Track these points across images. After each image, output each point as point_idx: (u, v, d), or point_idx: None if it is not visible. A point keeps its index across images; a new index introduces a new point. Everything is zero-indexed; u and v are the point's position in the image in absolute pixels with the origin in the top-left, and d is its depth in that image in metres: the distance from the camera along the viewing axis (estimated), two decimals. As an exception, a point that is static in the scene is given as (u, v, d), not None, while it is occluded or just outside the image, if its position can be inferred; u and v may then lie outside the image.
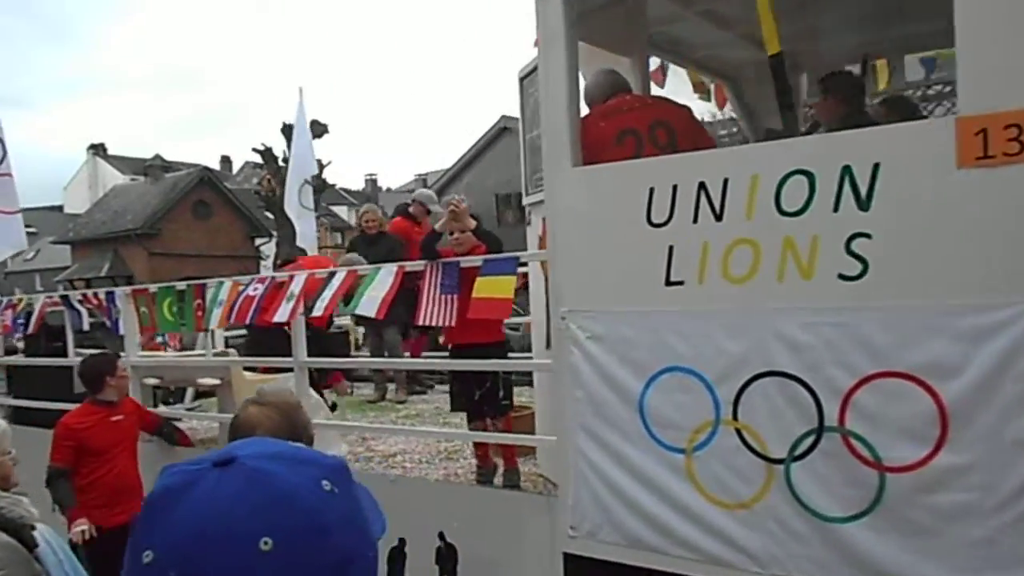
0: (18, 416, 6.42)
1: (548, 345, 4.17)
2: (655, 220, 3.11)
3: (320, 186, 31.76)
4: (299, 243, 8.95)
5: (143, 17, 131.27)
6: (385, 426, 5.77)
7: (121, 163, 39.89)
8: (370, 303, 3.99)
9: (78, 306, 6.22)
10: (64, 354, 6.76)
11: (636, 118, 3.52)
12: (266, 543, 0.76)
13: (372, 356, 7.44)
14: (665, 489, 3.12)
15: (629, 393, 3.19)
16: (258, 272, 35.66)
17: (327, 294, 4.28)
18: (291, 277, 4.51)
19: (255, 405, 2.25)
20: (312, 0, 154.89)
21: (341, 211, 49.56)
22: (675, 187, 3.05)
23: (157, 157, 37.63)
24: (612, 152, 3.39)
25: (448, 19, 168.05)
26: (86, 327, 6.25)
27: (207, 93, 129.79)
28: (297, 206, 9.23)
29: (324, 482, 0.83)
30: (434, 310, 3.84)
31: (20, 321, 6.69)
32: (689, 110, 3.74)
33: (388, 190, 59.40)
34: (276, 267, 30.61)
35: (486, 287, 3.66)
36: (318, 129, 31.38)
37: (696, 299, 3.03)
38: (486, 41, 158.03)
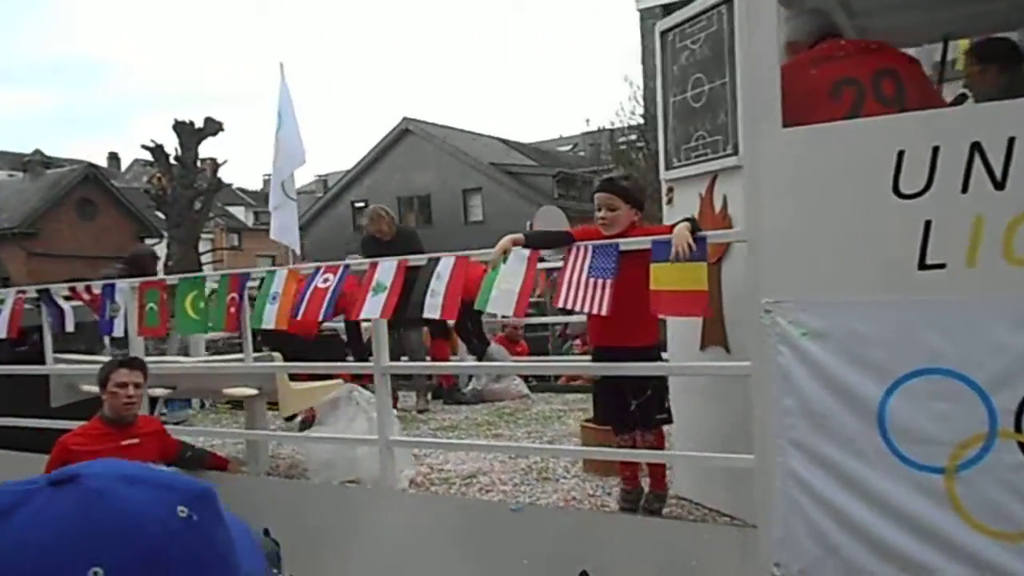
0: None
1: (703, 345, 3.51)
2: (905, 190, 2.46)
3: (215, 186, 30.11)
4: (274, 236, 7.91)
5: (30, 11, 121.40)
6: (480, 442, 4.90)
7: (-3, 158, 36.44)
8: (504, 299, 3.17)
9: (61, 302, 5.03)
10: (35, 360, 5.60)
11: (856, 65, 2.86)
12: (95, 574, 0.65)
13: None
14: (915, 517, 2.47)
15: (864, 402, 2.52)
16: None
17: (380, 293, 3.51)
18: (374, 264, 3.63)
19: None
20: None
21: (238, 211, 47.17)
22: (936, 149, 2.43)
23: (37, 152, 34.48)
24: (826, 107, 2.75)
25: (348, 17, 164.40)
26: (70, 327, 5.05)
27: (94, 89, 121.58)
28: (280, 195, 8.17)
29: (180, 508, 0.72)
30: (578, 295, 3.05)
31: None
32: (917, 59, 3.12)
33: (287, 191, 57.05)
34: (168, 270, 28.88)
35: (667, 277, 2.90)
36: (212, 127, 29.70)
37: (964, 285, 2.41)
38: (387, 41, 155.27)
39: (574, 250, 3.18)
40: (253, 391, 4.66)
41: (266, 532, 3.82)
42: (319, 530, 3.83)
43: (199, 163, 29.48)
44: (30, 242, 29.86)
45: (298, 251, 7.47)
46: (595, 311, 3.03)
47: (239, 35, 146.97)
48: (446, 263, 3.44)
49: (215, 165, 29.78)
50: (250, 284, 4.34)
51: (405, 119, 30.71)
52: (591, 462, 4.18)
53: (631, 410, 3.45)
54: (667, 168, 3.79)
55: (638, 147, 18.37)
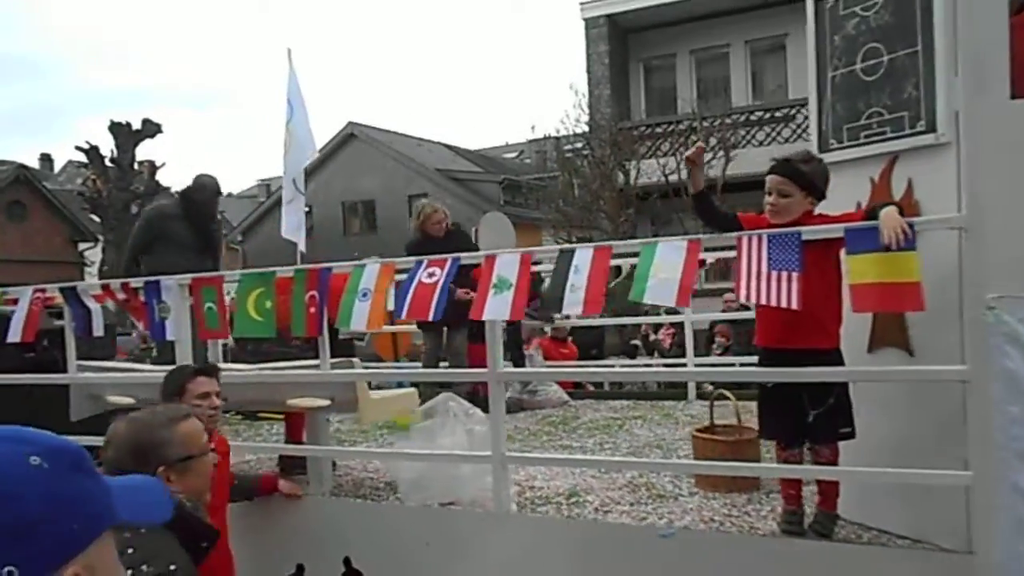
0: None
1: (871, 347, 3.10)
2: None
3: (153, 189, 29.07)
4: (285, 235, 7.29)
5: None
6: (631, 460, 4.21)
7: (-82, 157, 34.55)
8: (663, 289, 2.77)
9: (90, 303, 4.34)
10: (47, 368, 4.90)
11: None
12: None
13: (427, 366, 6.03)
14: None
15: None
16: (82, 280, 31.99)
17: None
18: (490, 257, 3.15)
19: (122, 421, 2.15)
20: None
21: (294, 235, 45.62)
22: None
23: (-38, 152, 32.88)
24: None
25: (291, 21, 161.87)
26: (98, 331, 4.37)
27: (26, 88, 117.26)
28: (292, 190, 7.46)
29: (33, 458, 0.84)
30: (762, 288, 2.68)
31: None
32: None
33: (229, 195, 55.66)
34: (102, 275, 27.74)
35: (872, 269, 2.55)
36: (150, 128, 28.69)
37: None
38: (332, 45, 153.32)
39: (747, 239, 2.80)
40: (324, 401, 3.98)
41: (347, 562, 3.43)
42: (415, 561, 3.33)
43: (136, 165, 28.45)
44: (-46, 245, 28.40)
45: (304, 250, 6.93)
46: (784, 305, 2.64)
47: (179, 36, 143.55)
48: (584, 255, 3.01)
49: (153, 168, 28.74)
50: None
51: (350, 123, 30.07)
52: (703, 478, 3.79)
53: (808, 422, 3.00)
54: (821, 151, 3.31)
55: (584, 155, 18.18)
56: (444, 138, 34.57)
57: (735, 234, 2.91)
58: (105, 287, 4.38)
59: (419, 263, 3.38)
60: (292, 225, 7.32)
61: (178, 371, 3.28)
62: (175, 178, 68.77)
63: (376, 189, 29.47)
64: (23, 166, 32.00)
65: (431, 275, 3.30)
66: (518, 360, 6.46)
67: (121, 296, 4.23)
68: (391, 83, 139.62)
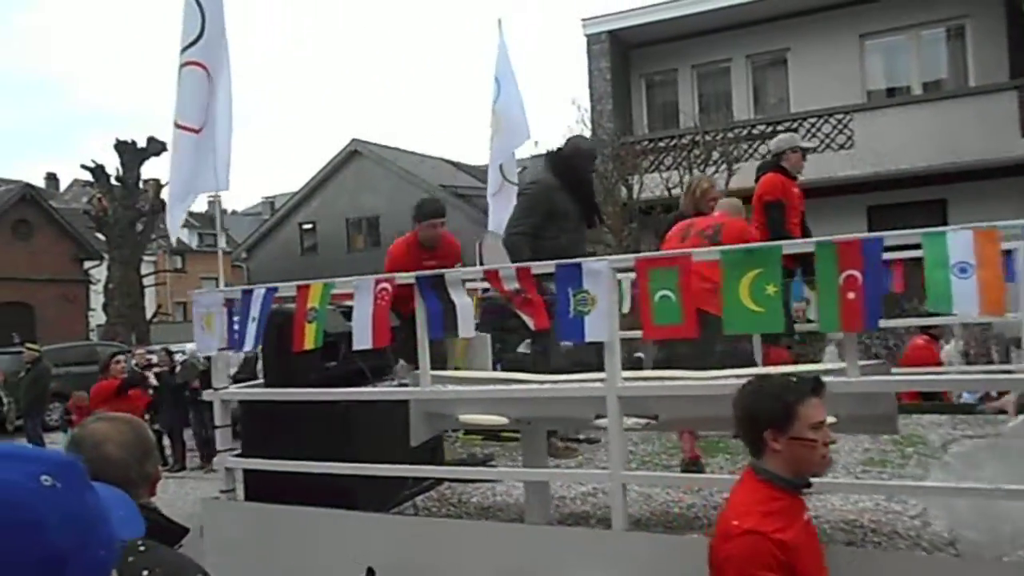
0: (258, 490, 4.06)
1: None
2: None
3: (158, 207, 29.03)
4: (492, 228, 6.67)
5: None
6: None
7: (-75, 177, 34.61)
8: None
9: (459, 295, 3.48)
10: (355, 381, 4.15)
11: None
12: None
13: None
14: None
15: None
16: (87, 299, 31.88)
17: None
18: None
19: (102, 421, 1.93)
20: (160, 12, 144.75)
21: (182, 233, 45.72)
22: None
23: (-30, 172, 32.90)
24: None
25: (296, 38, 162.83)
26: (467, 332, 3.62)
27: (33, 107, 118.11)
28: (499, 180, 6.65)
29: (44, 477, 0.76)
30: None
31: (250, 329, 3.79)
32: None
33: (233, 212, 55.67)
34: (108, 293, 27.64)
35: None
36: (155, 147, 28.60)
37: None
38: (336, 62, 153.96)
39: None
40: (831, 418, 3.00)
41: (370, 571, 3.29)
42: None
43: (141, 184, 28.44)
44: (-39, 264, 28.36)
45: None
46: None
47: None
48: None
49: (158, 186, 28.66)
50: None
51: (354, 140, 30.01)
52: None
53: None
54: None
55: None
56: (446, 154, 34.57)
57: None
58: (491, 274, 3.41)
59: None
60: (500, 220, 6.33)
61: (781, 386, 2.30)
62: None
63: (380, 205, 29.39)
64: (29, 185, 31.98)
65: None
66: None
67: (512, 286, 3.31)
68: (394, 100, 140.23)
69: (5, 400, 16.96)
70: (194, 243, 46.89)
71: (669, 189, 15.06)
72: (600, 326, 3.05)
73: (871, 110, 15.34)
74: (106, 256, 29.06)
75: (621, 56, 18.29)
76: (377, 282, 3.57)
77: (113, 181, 27.88)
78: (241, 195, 71.53)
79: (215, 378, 4.22)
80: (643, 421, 3.29)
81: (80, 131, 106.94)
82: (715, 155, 15.15)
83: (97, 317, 30.75)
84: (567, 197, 5.19)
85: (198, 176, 4.91)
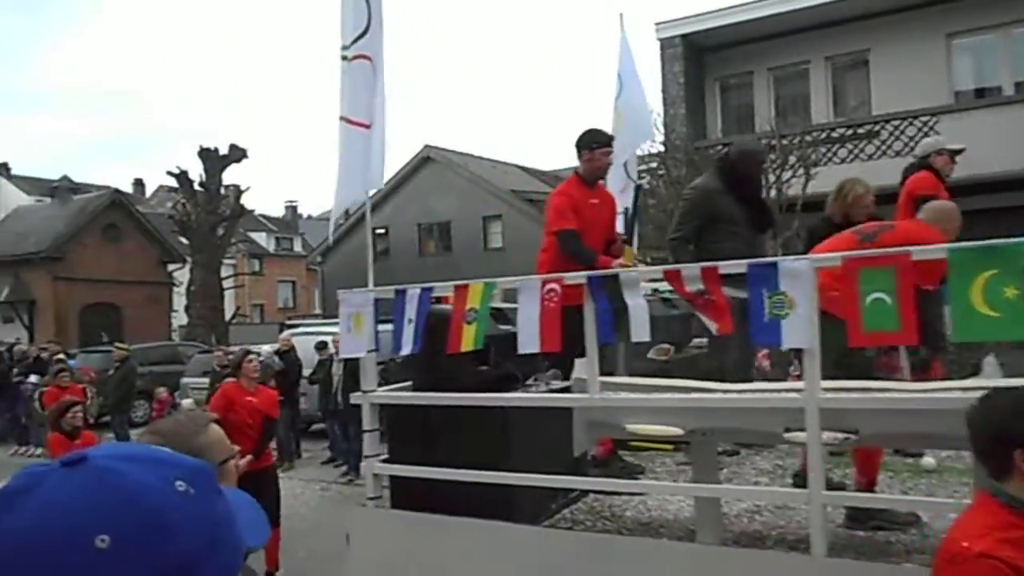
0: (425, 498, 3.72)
1: None
2: None
3: (238, 212, 29.92)
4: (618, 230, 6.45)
5: (62, 37, 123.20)
6: None
7: (25, 183, 36.36)
8: None
9: (634, 296, 3.17)
10: (505, 384, 3.95)
11: None
12: (103, 540, 0.70)
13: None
14: None
15: None
16: (170, 301, 33.04)
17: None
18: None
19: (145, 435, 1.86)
20: (239, 25, 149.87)
21: (260, 237, 47.00)
22: None
23: (65, 178, 34.31)
24: None
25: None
26: (642, 334, 3.21)
27: (122, 115, 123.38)
28: (623, 177, 6.28)
29: (179, 483, 0.76)
30: None
31: (407, 331, 3.59)
32: None
33: (309, 217, 57.02)
34: (190, 295, 28.57)
35: None
36: (236, 154, 29.50)
37: None
38: (408, 69, 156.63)
39: None
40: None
41: None
42: None
43: (223, 189, 29.32)
44: (56, 266, 29.65)
45: (635, 248, 5.81)
46: None
47: (267, 65, 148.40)
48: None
49: (238, 192, 29.58)
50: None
51: (426, 147, 30.37)
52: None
53: None
54: None
55: (659, 175, 17.88)
56: (518, 159, 34.66)
57: None
58: (672, 275, 3.15)
59: None
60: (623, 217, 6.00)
61: None
62: (258, 202, 70.82)
63: (452, 210, 29.66)
64: (118, 191, 33.40)
65: None
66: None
67: (695, 287, 3.05)
68: (466, 107, 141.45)
69: (92, 396, 17.68)
70: (271, 247, 48.14)
71: (744, 194, 14.77)
72: (799, 331, 2.82)
73: (959, 112, 14.74)
74: (188, 259, 30.05)
75: (695, 60, 18.03)
76: (544, 282, 3.33)
77: (196, 187, 28.81)
78: (316, 200, 73.03)
79: (364, 381, 3.97)
80: (840, 436, 2.99)
81: (166, 139, 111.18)
82: (792, 159, 14.77)
83: (179, 318, 31.83)
84: (731, 200, 4.98)
85: (367, 172, 4.65)
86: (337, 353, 10.89)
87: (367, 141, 4.60)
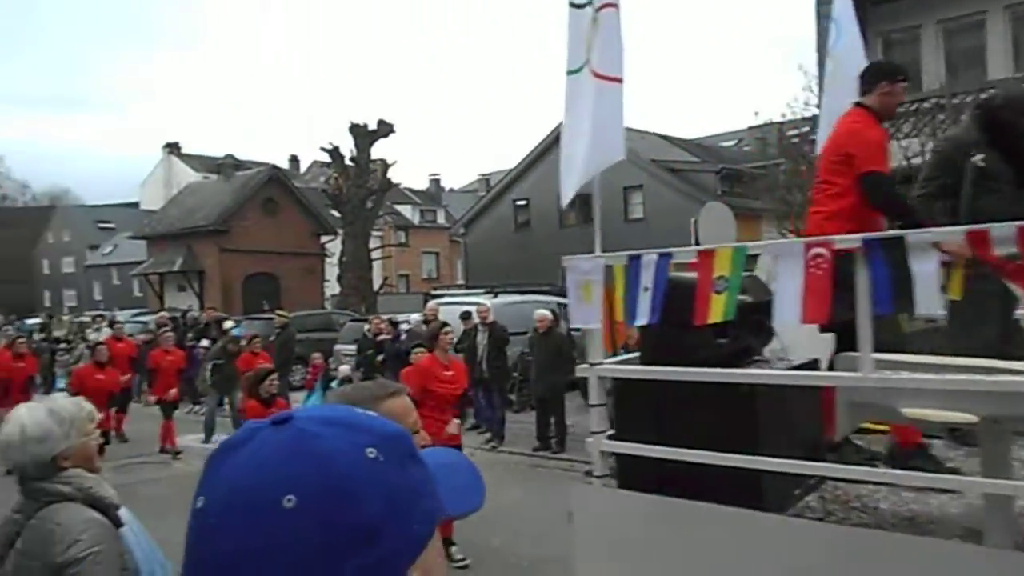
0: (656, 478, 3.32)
1: None
2: None
3: (386, 185, 30.89)
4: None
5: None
6: None
7: (194, 161, 39.18)
8: None
9: (921, 261, 2.72)
10: (742, 359, 3.62)
11: None
12: (289, 500, 0.72)
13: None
14: None
15: None
16: (323, 271, 34.73)
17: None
18: None
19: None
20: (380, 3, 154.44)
21: (405, 210, 48.56)
22: None
23: (229, 156, 36.63)
24: None
25: (511, 18, 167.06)
26: (933, 307, 2.80)
27: (283, 94, 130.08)
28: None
29: (369, 449, 0.78)
30: None
31: (642, 300, 3.31)
32: None
33: (451, 190, 58.36)
34: (342, 265, 29.85)
35: None
36: (384, 129, 30.35)
37: None
38: (547, 40, 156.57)
39: None
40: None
41: None
42: None
43: (371, 164, 30.36)
44: (222, 238, 31.80)
45: None
46: None
47: (408, 39, 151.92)
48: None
49: (385, 166, 30.51)
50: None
51: (567, 117, 30.23)
52: None
53: None
54: None
55: (811, 140, 16.92)
56: (660, 128, 33.86)
57: None
58: (977, 236, 2.65)
59: None
60: None
61: None
62: (404, 176, 72.94)
63: (591, 182, 29.44)
64: (276, 167, 35.30)
65: None
66: None
67: (1008, 250, 2.60)
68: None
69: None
70: (416, 219, 49.57)
71: (908, 159, 13.70)
72: None
73: None
74: (340, 231, 31.38)
75: (856, 13, 16.85)
76: (808, 246, 2.94)
77: (347, 162, 29.91)
78: (459, 172, 74.38)
79: (591, 353, 3.70)
80: None
81: (318, 115, 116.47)
82: (965, 120, 13.60)
83: (331, 287, 33.38)
84: (994, 155, 4.33)
85: (619, 134, 4.21)
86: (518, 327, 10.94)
87: (619, 96, 4.20)
